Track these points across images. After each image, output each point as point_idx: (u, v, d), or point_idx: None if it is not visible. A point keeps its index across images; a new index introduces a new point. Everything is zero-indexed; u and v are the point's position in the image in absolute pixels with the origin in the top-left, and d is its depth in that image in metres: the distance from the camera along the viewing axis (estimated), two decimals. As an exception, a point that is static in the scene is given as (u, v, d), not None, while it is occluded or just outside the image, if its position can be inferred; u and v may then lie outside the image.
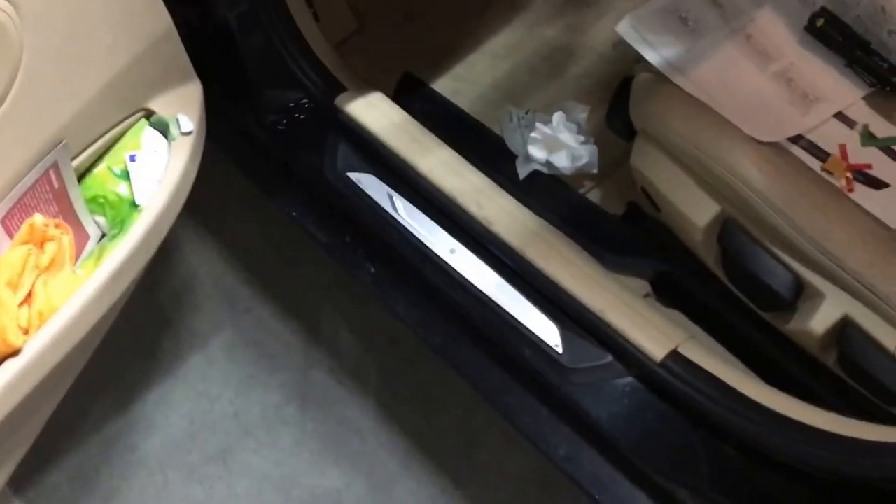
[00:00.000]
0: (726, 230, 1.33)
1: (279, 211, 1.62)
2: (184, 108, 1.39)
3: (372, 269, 1.54)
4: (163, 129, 1.37)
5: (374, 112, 1.55)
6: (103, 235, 1.35)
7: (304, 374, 1.85)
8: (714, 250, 1.37)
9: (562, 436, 1.40)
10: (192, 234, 1.99)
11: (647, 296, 1.50)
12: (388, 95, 1.60)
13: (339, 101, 1.56)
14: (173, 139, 1.36)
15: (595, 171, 1.59)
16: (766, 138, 1.29)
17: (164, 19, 1.35)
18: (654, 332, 1.34)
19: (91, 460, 1.76)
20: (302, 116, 1.59)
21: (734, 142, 1.29)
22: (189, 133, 1.37)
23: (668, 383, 1.31)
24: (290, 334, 1.89)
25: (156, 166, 1.35)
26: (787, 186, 1.27)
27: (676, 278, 1.51)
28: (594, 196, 1.62)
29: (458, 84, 1.80)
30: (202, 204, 1.91)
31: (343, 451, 1.77)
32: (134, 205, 1.33)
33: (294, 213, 1.60)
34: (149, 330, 1.89)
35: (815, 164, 1.31)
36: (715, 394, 1.28)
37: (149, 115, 1.38)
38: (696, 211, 1.35)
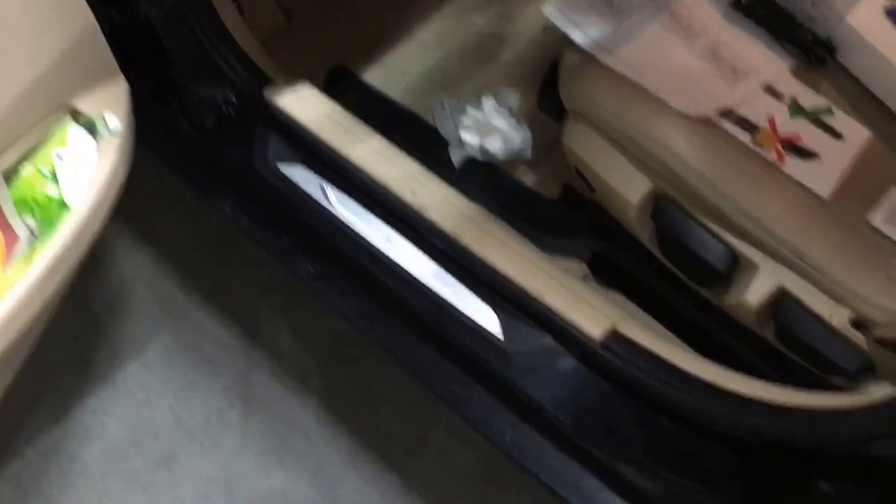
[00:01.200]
0: (659, 206, 1.36)
1: (213, 208, 1.61)
2: (110, 106, 1.39)
3: (310, 267, 1.54)
4: (90, 128, 1.36)
5: (304, 103, 1.55)
6: (33, 237, 1.34)
7: (245, 377, 1.85)
8: (648, 227, 1.39)
9: (507, 421, 1.41)
10: (126, 241, 1.98)
11: (585, 277, 1.52)
12: (318, 88, 1.61)
13: (267, 93, 1.56)
14: (101, 138, 1.36)
15: (529, 154, 1.61)
16: (694, 112, 1.32)
17: (87, 17, 1.35)
18: (592, 312, 1.36)
19: (29, 471, 1.73)
20: (230, 111, 1.58)
21: (663, 117, 1.31)
22: (117, 131, 1.37)
23: (608, 362, 1.33)
24: (229, 337, 1.88)
25: (84, 166, 1.34)
26: (718, 159, 1.30)
27: (613, 258, 1.54)
28: (529, 180, 1.65)
29: (389, 74, 1.81)
30: (133, 209, 1.91)
31: (288, 451, 1.77)
32: (63, 205, 1.32)
33: (227, 211, 1.60)
34: (83, 339, 1.87)
35: (745, 137, 1.34)
36: (653, 369, 1.30)
37: (75, 114, 1.38)
38: (628, 188, 1.37)
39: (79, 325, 1.88)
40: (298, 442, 1.78)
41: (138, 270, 1.96)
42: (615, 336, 1.34)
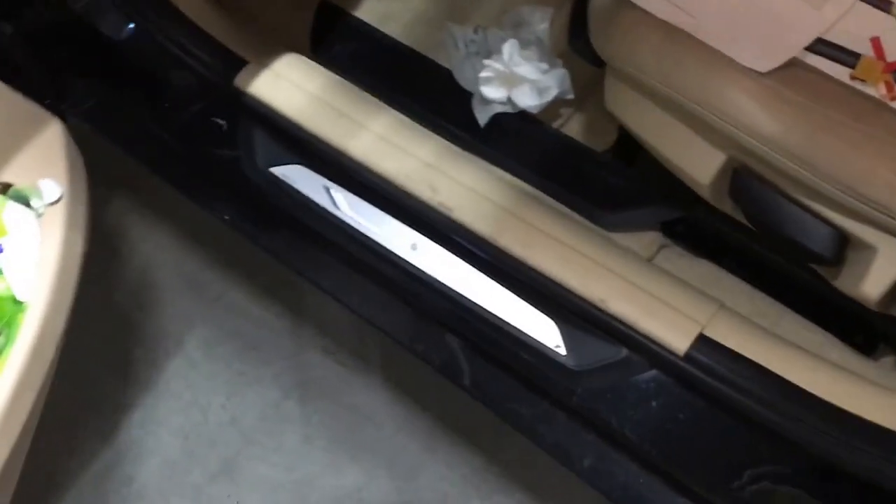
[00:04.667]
0: (738, 183, 1.09)
1: (210, 215, 1.41)
2: (45, 164, 1.19)
3: (336, 275, 1.34)
4: (26, 201, 1.16)
5: (284, 86, 1.31)
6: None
7: (297, 359, 1.70)
8: (730, 204, 1.13)
9: (585, 444, 1.23)
10: (137, 219, 1.81)
11: (661, 248, 1.27)
12: (300, 53, 1.35)
13: (239, 80, 1.32)
14: (41, 214, 1.16)
15: (570, 94, 1.33)
16: (768, 65, 1.03)
17: None
18: (671, 315, 1.14)
19: (86, 502, 1.64)
20: (202, 107, 1.35)
21: (725, 77, 1.03)
22: (58, 198, 1.16)
23: (698, 379, 1.11)
24: (272, 316, 1.73)
25: (30, 249, 1.16)
26: (808, 124, 1.01)
27: (695, 221, 1.28)
28: (574, 128, 1.37)
29: (388, 5, 1.52)
30: (141, 181, 1.73)
31: (358, 441, 1.63)
32: (16, 302, 1.15)
33: (227, 217, 1.40)
34: (115, 343, 1.73)
35: (841, 72, 1.04)
36: (756, 387, 1.09)
37: (5, 189, 1.18)
38: (695, 165, 1.11)
39: (107, 328, 1.74)
40: (367, 429, 1.64)
41: (160, 253, 1.79)
42: (703, 344, 1.12)
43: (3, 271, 1.15)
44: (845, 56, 1.05)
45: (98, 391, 1.70)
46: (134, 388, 1.71)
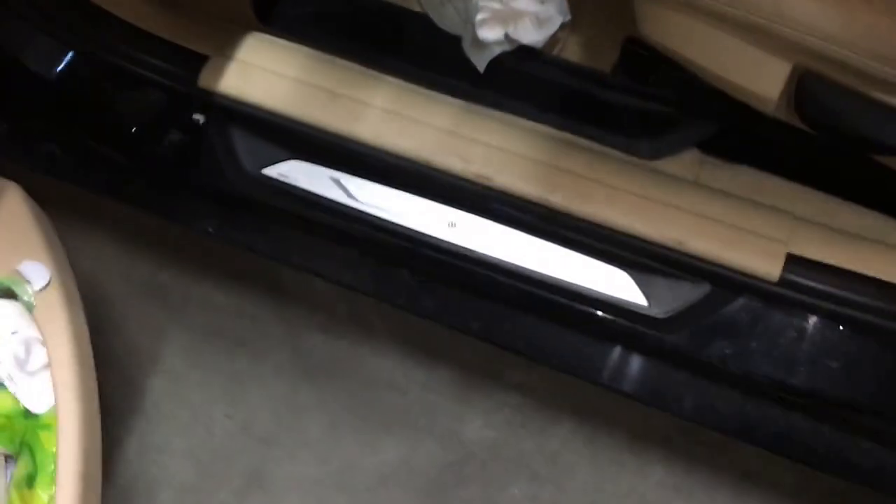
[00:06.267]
0: (806, 88, 1.08)
1: (192, 231, 1.35)
2: (17, 242, 1.10)
3: (361, 270, 1.31)
4: (9, 294, 1.08)
5: (258, 75, 1.25)
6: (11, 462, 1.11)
7: (293, 344, 1.66)
8: (787, 112, 1.13)
9: (679, 385, 1.25)
10: (65, 231, 1.64)
11: (702, 163, 1.28)
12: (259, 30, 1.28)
13: (204, 80, 1.24)
14: (33, 306, 1.07)
15: (568, 16, 1.29)
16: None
17: None
18: (752, 241, 1.18)
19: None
20: (171, 121, 1.28)
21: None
22: (47, 281, 1.08)
23: (797, 301, 1.15)
24: (251, 305, 1.68)
25: (31, 350, 1.08)
26: (886, 17, 1.00)
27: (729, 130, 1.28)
28: (573, 51, 1.34)
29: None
30: (53, 186, 1.59)
31: (387, 412, 1.62)
32: (28, 415, 1.08)
33: (210, 230, 1.33)
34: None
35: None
36: (856, 296, 1.14)
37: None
38: (761, 80, 1.09)
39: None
40: (393, 398, 1.63)
41: (103, 264, 1.71)
42: (794, 264, 1.16)
43: (5, 382, 1.07)
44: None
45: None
46: (117, 417, 1.64)
